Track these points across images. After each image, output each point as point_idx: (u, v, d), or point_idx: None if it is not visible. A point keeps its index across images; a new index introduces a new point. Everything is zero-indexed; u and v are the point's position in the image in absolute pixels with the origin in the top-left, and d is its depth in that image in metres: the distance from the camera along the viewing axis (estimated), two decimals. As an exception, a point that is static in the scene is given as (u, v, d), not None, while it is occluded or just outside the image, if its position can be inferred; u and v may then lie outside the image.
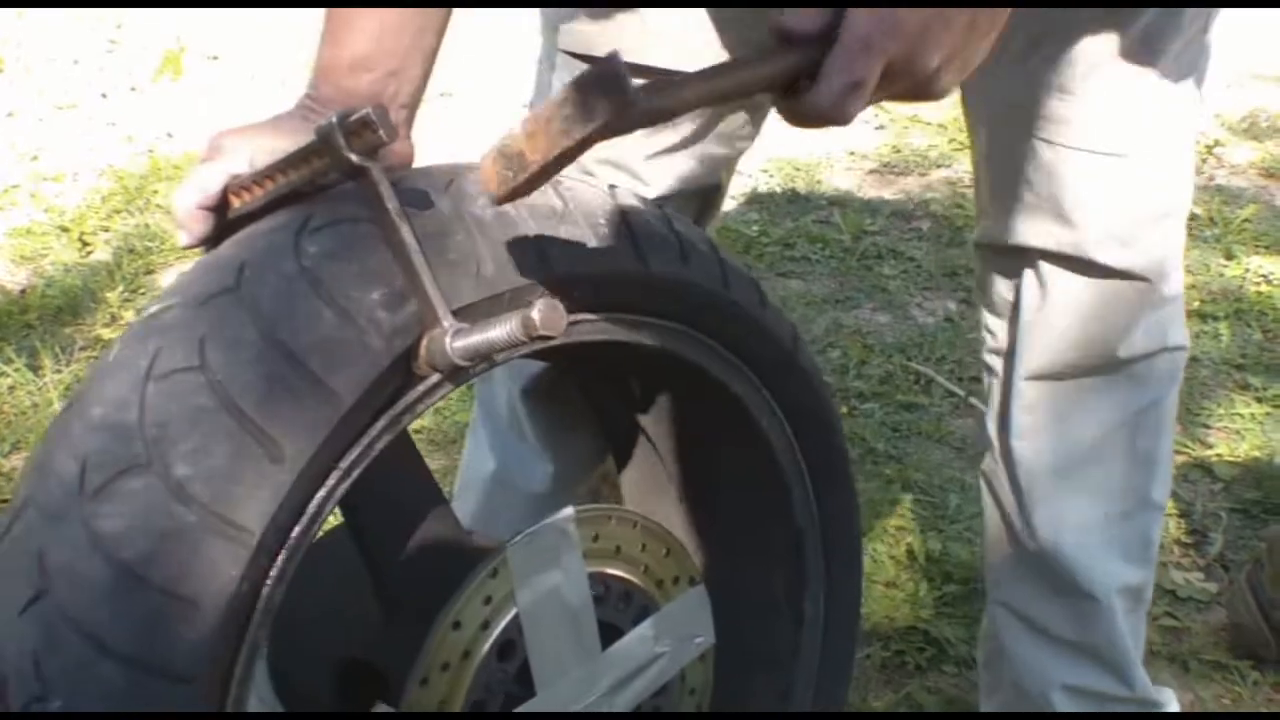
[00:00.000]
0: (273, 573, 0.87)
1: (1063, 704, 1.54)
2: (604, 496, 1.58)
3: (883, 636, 1.92)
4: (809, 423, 1.24)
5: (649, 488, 1.33)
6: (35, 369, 2.55)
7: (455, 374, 0.96)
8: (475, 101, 3.70)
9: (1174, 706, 1.62)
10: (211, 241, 1.03)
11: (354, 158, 0.91)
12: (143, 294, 2.83)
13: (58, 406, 2.40)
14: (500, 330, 0.90)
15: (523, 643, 1.04)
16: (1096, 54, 1.29)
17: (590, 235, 1.04)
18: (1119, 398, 1.45)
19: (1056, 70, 1.30)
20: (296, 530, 0.89)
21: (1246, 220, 3.21)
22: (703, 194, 1.45)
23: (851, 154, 3.62)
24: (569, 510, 1.07)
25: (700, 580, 1.20)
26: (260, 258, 0.92)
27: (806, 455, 1.25)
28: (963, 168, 3.48)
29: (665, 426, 1.29)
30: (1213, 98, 3.82)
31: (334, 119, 0.91)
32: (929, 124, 3.78)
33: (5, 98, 3.94)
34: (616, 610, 1.13)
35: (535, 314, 0.87)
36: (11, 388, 2.51)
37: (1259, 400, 2.54)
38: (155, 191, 3.33)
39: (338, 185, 0.97)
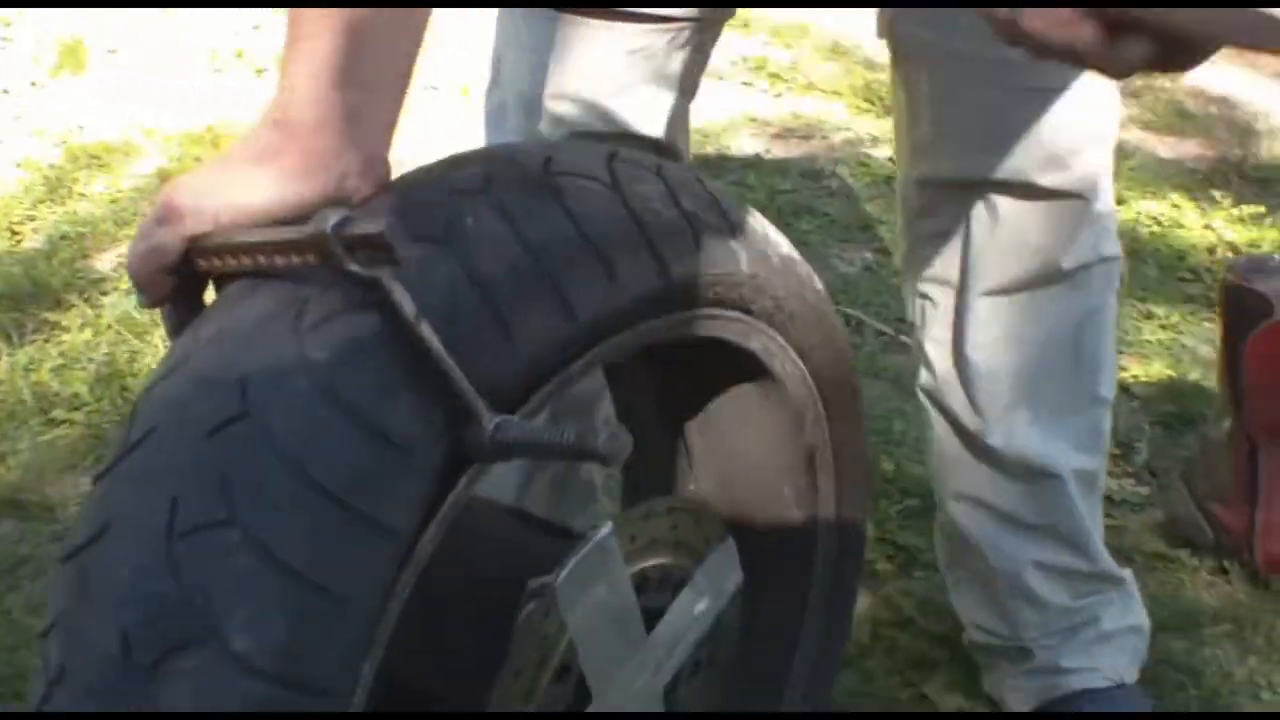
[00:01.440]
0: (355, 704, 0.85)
1: (1035, 580, 1.69)
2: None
3: (853, 548, 2.05)
4: (820, 355, 1.25)
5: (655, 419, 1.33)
6: (-11, 351, 2.57)
7: (498, 458, 0.88)
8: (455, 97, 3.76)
9: (1132, 583, 1.78)
10: (174, 301, 0.96)
11: (358, 269, 0.81)
12: (83, 278, 2.86)
13: (19, 383, 2.44)
14: (550, 438, 0.83)
15: (577, 661, 1.03)
16: None
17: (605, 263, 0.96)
18: (1064, 305, 1.60)
19: None
20: (366, 666, 0.85)
21: (1132, 169, 3.42)
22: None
23: (753, 120, 3.75)
24: (608, 526, 1.03)
25: (727, 534, 1.19)
26: (262, 373, 0.83)
27: (820, 385, 1.25)
28: (865, 130, 3.65)
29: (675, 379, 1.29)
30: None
31: (328, 228, 0.80)
32: (824, 91, 3.94)
33: (-98, 97, 3.89)
34: (657, 594, 1.12)
35: (601, 446, 0.81)
36: (-34, 371, 2.52)
37: (1163, 327, 2.75)
38: (76, 180, 3.33)
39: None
